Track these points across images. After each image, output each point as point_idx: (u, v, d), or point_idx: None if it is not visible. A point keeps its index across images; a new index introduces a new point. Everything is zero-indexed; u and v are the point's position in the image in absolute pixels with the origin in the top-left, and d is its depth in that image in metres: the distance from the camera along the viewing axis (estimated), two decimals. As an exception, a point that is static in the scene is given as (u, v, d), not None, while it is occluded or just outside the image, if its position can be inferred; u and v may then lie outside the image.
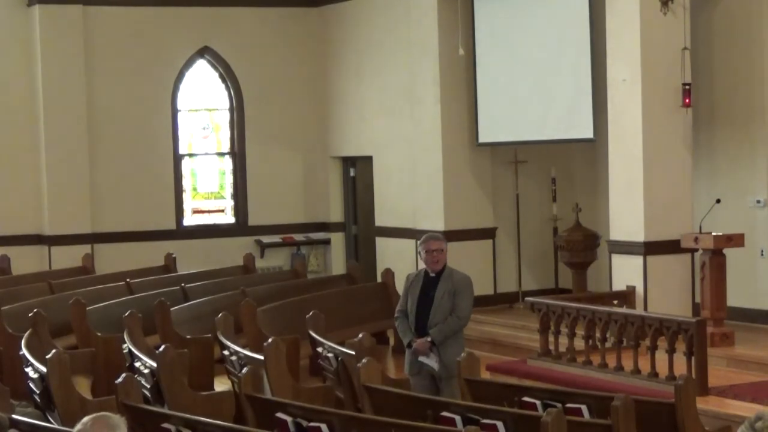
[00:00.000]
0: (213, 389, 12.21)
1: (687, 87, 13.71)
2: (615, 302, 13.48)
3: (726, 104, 14.68)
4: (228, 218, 19.73)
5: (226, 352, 11.57)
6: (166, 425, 8.12)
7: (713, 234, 13.13)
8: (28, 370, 10.64)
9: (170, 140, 19.19)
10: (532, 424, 7.58)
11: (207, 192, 19.77)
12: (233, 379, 11.23)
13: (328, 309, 13.34)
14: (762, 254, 14.25)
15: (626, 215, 13.94)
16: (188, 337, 13.02)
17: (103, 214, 18.58)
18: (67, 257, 17.82)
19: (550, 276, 17.02)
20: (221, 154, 19.72)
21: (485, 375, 12.28)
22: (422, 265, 10.49)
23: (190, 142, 19.56)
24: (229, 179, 19.73)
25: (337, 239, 19.61)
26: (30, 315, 12.45)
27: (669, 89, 13.74)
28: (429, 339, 10.10)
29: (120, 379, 8.63)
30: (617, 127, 14.04)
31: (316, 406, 8.57)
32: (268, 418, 8.39)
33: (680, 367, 11.23)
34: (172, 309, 13.65)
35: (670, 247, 13.61)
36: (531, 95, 15.92)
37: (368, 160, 18.68)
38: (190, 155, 19.56)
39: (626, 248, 13.89)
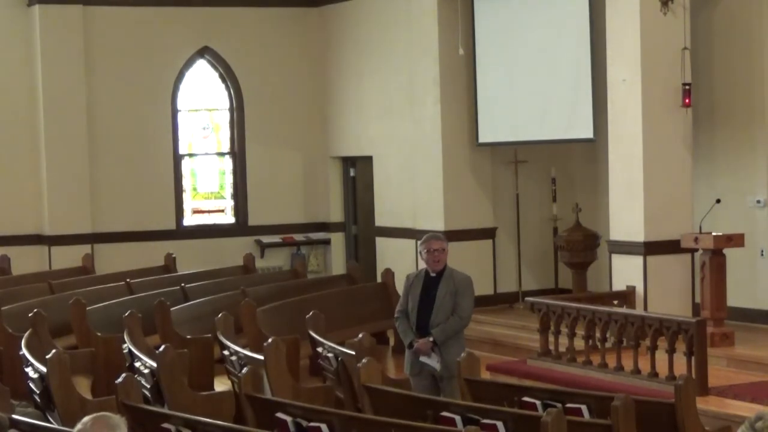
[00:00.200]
0: (213, 389, 12.21)
1: (687, 87, 13.71)
2: (615, 302, 13.49)
3: (726, 104, 14.68)
4: (228, 218, 19.73)
5: (226, 352, 11.57)
6: (166, 425, 8.12)
7: (713, 234, 13.13)
8: (28, 370, 10.64)
9: (170, 140, 19.19)
10: (532, 424, 7.58)
11: (207, 192, 19.77)
12: (233, 379, 11.23)
13: (328, 309, 13.34)
14: (762, 254, 14.25)
15: (626, 215, 13.94)
16: (188, 337, 13.02)
17: (103, 214, 18.58)
18: (67, 257, 17.82)
19: (550, 276, 17.02)
20: (221, 154, 19.72)
21: (485, 375, 12.28)
22: (422, 265, 10.49)
23: (190, 142, 19.56)
24: (229, 179, 19.73)
25: (337, 239, 19.61)
26: (30, 315, 12.45)
27: (669, 89, 13.74)
28: (431, 339, 10.10)
29: (120, 379, 8.63)
30: (617, 127, 14.04)
31: (316, 406, 8.57)
32: (268, 418, 8.39)
33: (680, 367, 11.23)
34: (172, 309, 13.65)
35: (670, 247, 13.61)
36: (531, 95, 15.92)
37: (368, 160, 18.68)
38: (190, 155, 19.56)
39: (626, 248, 13.89)
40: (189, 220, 19.51)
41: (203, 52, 19.31)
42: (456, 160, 16.54)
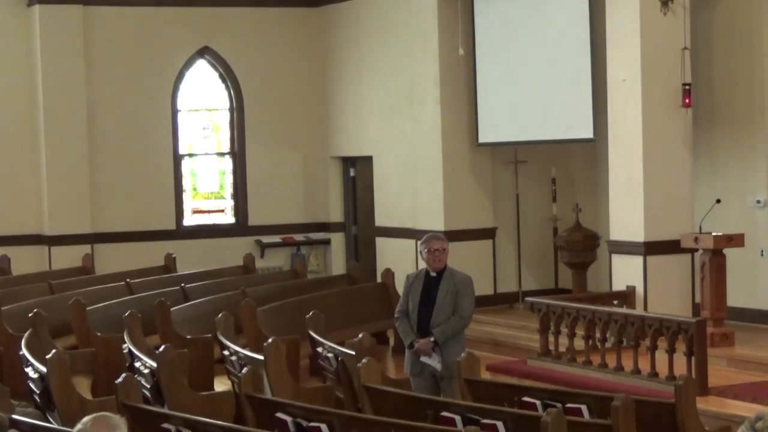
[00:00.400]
0: (213, 389, 12.21)
1: (687, 87, 13.71)
2: (615, 302, 13.49)
3: (726, 104, 14.68)
4: (228, 218, 19.73)
5: (226, 352, 11.57)
6: (166, 425, 8.12)
7: (713, 234, 13.12)
8: (28, 370, 10.64)
9: (170, 140, 19.20)
10: (532, 424, 7.58)
11: (207, 192, 19.77)
12: (233, 379, 11.23)
13: (328, 309, 13.34)
14: (762, 254, 14.25)
15: (626, 215, 13.94)
16: (188, 337, 13.02)
17: (103, 214, 18.58)
18: (67, 257, 17.83)
19: (550, 276, 17.02)
20: (221, 154, 19.72)
21: (485, 375, 12.28)
22: (422, 265, 10.49)
23: (190, 142, 19.56)
24: (229, 179, 19.73)
25: (337, 239, 19.62)
26: (30, 315, 12.45)
27: (669, 89, 13.74)
28: (432, 339, 10.10)
29: (120, 379, 8.62)
30: (617, 127, 14.04)
31: (316, 406, 8.57)
32: (268, 418, 8.39)
33: (680, 367, 11.23)
34: (172, 309, 13.65)
35: (670, 247, 13.61)
36: (531, 95, 15.92)
37: (368, 160, 18.69)
38: (190, 155, 19.56)
39: (626, 248, 13.89)
40: (189, 220, 19.52)
41: (203, 52, 19.31)
42: (456, 160, 16.54)
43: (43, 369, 9.98)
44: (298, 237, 19.65)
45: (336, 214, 19.61)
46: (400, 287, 11.28)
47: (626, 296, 13.69)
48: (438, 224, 16.18)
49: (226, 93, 19.58)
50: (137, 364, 10.71)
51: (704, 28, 14.62)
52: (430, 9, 16.50)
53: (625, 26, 13.80)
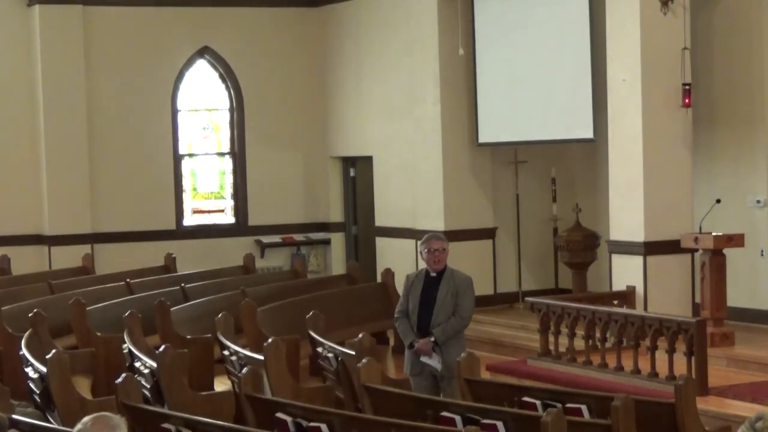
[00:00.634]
0: (213, 389, 12.21)
1: (687, 87, 13.71)
2: (615, 302, 13.49)
3: (726, 104, 14.68)
4: (228, 218, 19.73)
5: (226, 352, 11.57)
6: (166, 425, 8.12)
7: (713, 234, 13.12)
8: (28, 370, 10.64)
9: (170, 140, 19.20)
10: (532, 424, 7.58)
11: (207, 192, 19.77)
12: (233, 379, 11.23)
13: (328, 309, 13.34)
14: (762, 254, 14.25)
15: (626, 215, 13.94)
16: (188, 337, 13.02)
17: (103, 214, 18.58)
18: (67, 257, 17.82)
19: (550, 276, 17.02)
20: (221, 155, 19.72)
21: (485, 375, 12.28)
22: (422, 265, 10.49)
23: (190, 142, 19.56)
24: (229, 179, 19.73)
25: (337, 239, 19.61)
26: (30, 315, 12.44)
27: (669, 89, 13.74)
28: (432, 339, 10.10)
29: (120, 379, 8.62)
30: (617, 127, 14.04)
31: (316, 406, 8.57)
32: (268, 418, 8.39)
33: (680, 367, 11.23)
34: (172, 309, 13.65)
35: (670, 247, 13.61)
36: (531, 95, 15.92)
37: (368, 160, 18.69)
38: (190, 155, 19.56)
39: (626, 248, 13.89)
40: (189, 220, 19.52)
41: (203, 52, 19.31)
42: (456, 160, 16.54)
43: (43, 369, 9.98)
44: (298, 237, 19.65)
45: (336, 214, 19.61)
46: (400, 287, 11.28)
47: (626, 296, 13.69)
48: (438, 224, 16.17)
49: (226, 93, 19.58)
50: (137, 364, 10.71)
51: (704, 28, 14.63)
52: (430, 9, 16.50)
53: (625, 26, 13.80)
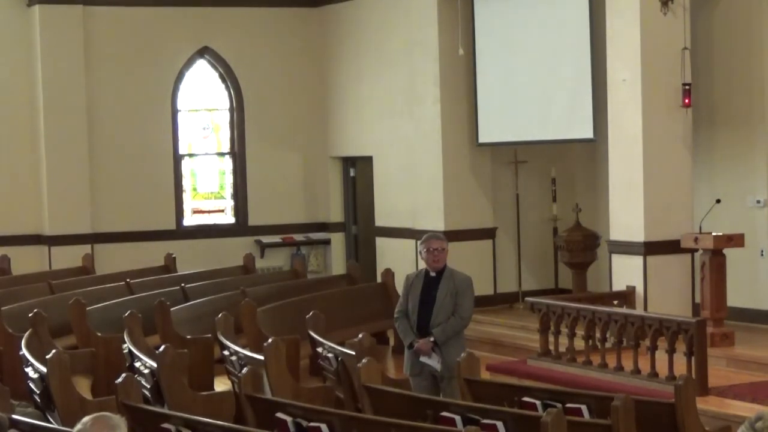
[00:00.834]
0: (213, 389, 12.21)
1: (687, 87, 13.71)
2: (615, 302, 13.48)
3: (726, 104, 14.68)
4: (228, 218, 19.73)
5: (226, 352, 11.57)
6: (166, 425, 8.12)
7: (713, 234, 13.12)
8: (28, 370, 10.63)
9: (170, 140, 19.20)
10: (532, 424, 7.58)
11: (207, 192, 19.77)
12: (233, 379, 11.23)
13: (328, 309, 13.34)
14: (762, 254, 14.25)
15: (626, 215, 13.94)
16: (188, 337, 13.01)
17: (103, 214, 18.58)
18: (67, 257, 17.82)
19: (550, 276, 17.02)
20: (221, 154, 19.72)
21: (485, 375, 12.28)
22: (422, 265, 10.50)
23: (190, 142, 19.56)
24: (229, 179, 19.73)
25: (337, 239, 19.61)
26: (30, 315, 12.44)
27: (669, 89, 13.74)
28: (431, 339, 10.10)
29: (120, 379, 8.62)
30: (617, 127, 14.04)
31: (316, 406, 8.57)
32: (268, 418, 8.39)
33: (680, 367, 11.23)
34: (172, 309, 13.64)
35: (670, 247, 13.61)
36: (531, 95, 15.92)
37: (368, 160, 18.69)
38: (190, 155, 19.56)
39: (626, 248, 13.89)
40: (189, 220, 19.52)
41: (203, 52, 19.31)
42: (456, 160, 16.54)
43: (43, 369, 9.98)
44: (298, 237, 19.65)
45: (336, 214, 19.61)
46: (400, 287, 11.27)
47: (626, 296, 13.69)
48: (438, 224, 16.18)
49: (226, 93, 19.58)
50: (137, 364, 10.71)
51: (704, 28, 14.62)
52: (430, 9, 16.50)
53: (625, 26, 13.79)
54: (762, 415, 5.03)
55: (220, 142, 19.73)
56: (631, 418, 7.84)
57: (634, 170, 13.79)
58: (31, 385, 10.43)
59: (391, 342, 15.47)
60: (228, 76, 19.45)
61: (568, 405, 8.38)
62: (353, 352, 10.54)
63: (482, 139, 16.50)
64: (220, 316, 12.12)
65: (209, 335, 12.72)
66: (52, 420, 9.79)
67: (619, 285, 13.98)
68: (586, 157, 16.76)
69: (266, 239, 19.46)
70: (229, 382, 11.87)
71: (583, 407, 8.41)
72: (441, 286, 10.18)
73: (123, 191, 18.73)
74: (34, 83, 18.36)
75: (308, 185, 19.77)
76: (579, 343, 12.59)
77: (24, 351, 11.07)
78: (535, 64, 15.82)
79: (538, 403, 8.57)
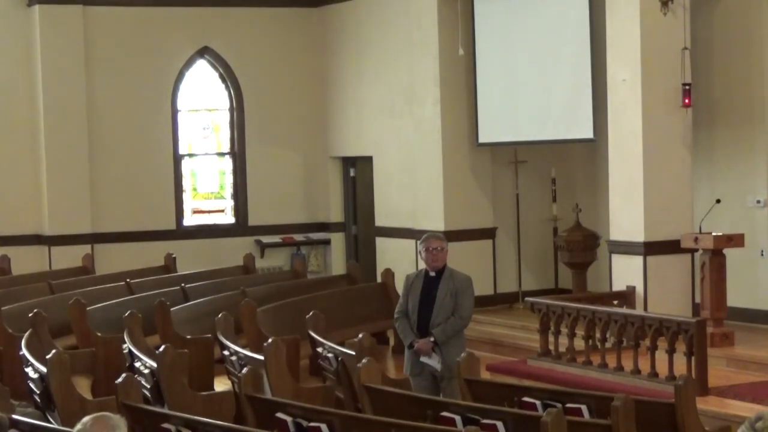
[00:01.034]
0: (213, 389, 12.21)
1: (687, 87, 13.71)
2: (615, 302, 13.49)
3: (726, 104, 14.68)
4: (228, 218, 19.73)
5: (226, 352, 11.57)
6: (166, 425, 8.11)
7: (713, 234, 13.13)
8: (28, 370, 10.64)
9: (170, 140, 19.20)
10: (532, 424, 7.58)
11: (207, 192, 19.77)
12: (233, 379, 11.23)
13: (328, 309, 13.34)
14: (762, 254, 14.25)
15: (626, 215, 13.94)
16: (188, 337, 13.01)
17: (103, 214, 18.58)
18: (67, 257, 17.82)
19: (550, 276, 17.02)
20: (221, 154, 19.72)
21: (485, 375, 12.28)
22: (422, 265, 10.50)
23: (190, 142, 19.56)
24: (229, 179, 19.73)
25: (337, 239, 19.61)
26: (30, 315, 12.44)
27: (669, 89, 13.74)
28: (431, 339, 10.10)
29: (120, 379, 8.62)
30: (617, 127, 14.04)
31: (316, 406, 8.57)
32: (268, 418, 8.39)
33: (680, 367, 11.23)
34: (172, 309, 13.65)
35: (670, 247, 13.62)
36: (531, 95, 15.92)
37: (368, 160, 18.69)
38: (190, 155, 19.56)
39: (626, 248, 13.89)
40: (189, 220, 19.52)
41: (203, 52, 19.31)
42: (456, 160, 16.53)
43: (43, 369, 9.98)
44: (298, 237, 19.65)
45: (336, 214, 19.61)
46: (400, 287, 11.28)
47: (626, 296, 13.69)
48: (438, 224, 16.17)
49: (226, 93, 19.58)
50: (137, 364, 10.71)
51: (704, 28, 14.62)
52: (430, 9, 16.49)
53: (625, 26, 13.80)
54: (762, 415, 5.03)
55: (220, 142, 19.73)
56: (631, 418, 7.83)
57: (634, 170, 13.79)
58: (31, 385, 10.43)
59: (391, 342, 15.47)
60: (228, 76, 19.45)
61: (568, 405, 8.38)
62: (353, 352, 10.54)
63: (482, 139, 16.50)
64: (220, 316, 12.12)
65: (209, 335, 12.72)
66: (52, 420, 9.79)
67: (619, 285, 13.98)
68: (586, 157, 16.76)
69: (266, 239, 19.46)
70: (229, 382, 11.87)
71: (583, 407, 8.41)
72: (441, 286, 10.18)
73: (123, 191, 18.73)
74: (34, 83, 18.36)
75: (308, 185, 19.77)
76: (579, 343, 12.60)
77: (24, 351, 11.07)
78: (535, 64, 15.82)
79: (538, 403, 8.57)
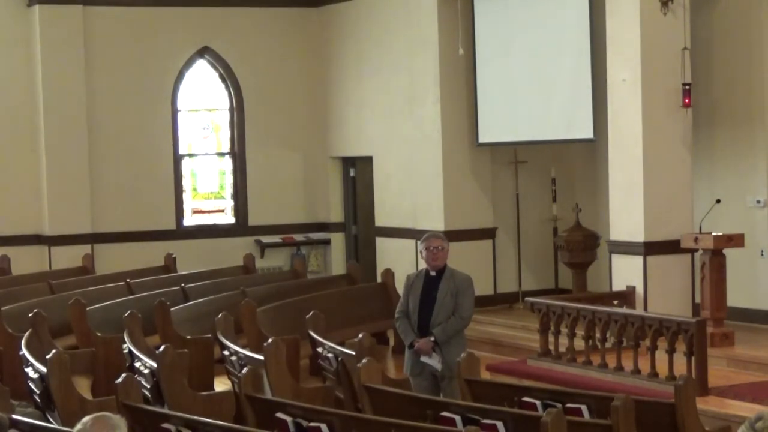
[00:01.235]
0: (213, 389, 12.21)
1: (687, 87, 13.71)
2: (615, 302, 13.49)
3: (726, 104, 14.68)
4: (228, 218, 19.73)
5: (226, 352, 11.57)
6: (166, 425, 8.12)
7: (713, 234, 13.12)
8: (28, 370, 10.64)
9: (170, 140, 19.20)
10: (532, 424, 7.58)
11: (207, 192, 19.77)
12: (233, 379, 11.23)
13: (328, 309, 13.34)
14: (762, 254, 14.25)
15: (626, 215, 13.94)
16: (188, 337, 13.01)
17: (103, 214, 18.58)
18: (67, 257, 17.82)
19: (550, 276, 17.02)
20: (221, 155, 19.72)
21: (485, 375, 12.28)
22: (422, 265, 10.50)
23: (190, 142, 19.56)
24: (229, 179, 19.73)
25: (337, 239, 19.61)
26: (30, 315, 12.45)
27: (669, 89, 13.74)
28: (432, 339, 10.10)
29: (120, 379, 8.62)
30: (617, 127, 14.04)
31: (316, 406, 8.57)
32: (268, 418, 8.39)
33: (680, 367, 11.23)
34: (172, 309, 13.65)
35: (670, 247, 13.61)
36: (531, 95, 15.92)
37: (368, 160, 18.69)
38: (190, 155, 19.56)
39: (626, 248, 13.89)
40: (189, 220, 19.52)
41: (203, 52, 19.31)
42: (456, 160, 16.53)
43: (43, 369, 9.98)
44: (298, 237, 19.65)
45: (336, 214, 19.61)
46: (400, 287, 11.28)
47: (626, 296, 13.69)
48: (438, 224, 16.17)
49: (226, 93, 19.59)
50: (137, 364, 10.71)
51: (704, 28, 14.62)
52: (430, 9, 16.50)
53: (625, 26, 13.79)
54: (762, 415, 5.03)
55: (220, 142, 19.73)
56: (631, 418, 7.84)
57: (634, 170, 13.79)
58: (31, 385, 10.43)
59: (391, 342, 15.47)
60: (228, 76, 19.45)
61: (568, 405, 8.38)
62: (353, 352, 10.54)
63: (482, 139, 16.50)
64: (220, 316, 12.13)
65: (209, 335, 12.72)
66: (52, 420, 9.79)
67: (619, 285, 13.98)
68: (586, 157, 16.76)
69: (266, 239, 19.46)
70: (229, 382, 11.87)
71: (583, 407, 8.41)
72: (441, 286, 10.18)
73: (123, 191, 18.74)
74: (34, 83, 18.36)
75: (308, 185, 19.77)
76: (579, 343, 12.59)
77: (24, 351, 11.07)
78: (535, 64, 15.82)
79: (538, 403, 8.57)
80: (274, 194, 19.58)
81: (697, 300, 13.50)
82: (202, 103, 19.57)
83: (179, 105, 19.33)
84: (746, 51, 14.36)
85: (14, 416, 8.02)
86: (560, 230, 16.18)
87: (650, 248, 13.69)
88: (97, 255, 18.16)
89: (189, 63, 19.26)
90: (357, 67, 18.74)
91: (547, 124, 15.88)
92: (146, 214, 18.86)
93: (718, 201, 13.60)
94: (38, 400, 10.20)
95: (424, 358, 10.14)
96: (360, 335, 10.79)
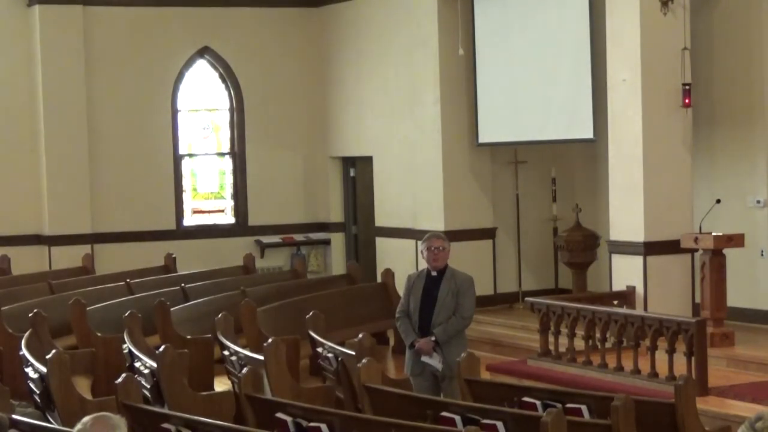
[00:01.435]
0: (213, 389, 12.21)
1: (687, 87, 13.71)
2: (615, 302, 13.48)
3: (726, 104, 14.68)
4: (228, 218, 19.73)
5: (226, 352, 11.57)
6: (166, 425, 8.12)
7: (713, 234, 13.12)
8: (28, 370, 10.64)
9: (170, 140, 19.20)
10: (532, 424, 7.58)
11: (207, 192, 19.77)
12: (233, 379, 11.23)
13: (328, 309, 13.34)
14: (762, 254, 14.25)
15: (626, 215, 13.94)
16: (188, 337, 13.02)
17: (103, 214, 18.58)
18: (67, 257, 17.82)
19: (550, 276, 17.02)
20: (221, 155, 19.72)
21: (485, 375, 12.28)
22: (422, 265, 10.50)
23: (190, 142, 19.57)
24: (229, 179, 19.74)
25: (337, 239, 19.61)
26: (30, 315, 12.44)
27: (669, 89, 13.73)
28: (432, 339, 10.10)
29: (120, 379, 8.62)
30: (617, 127, 14.04)
31: (316, 406, 8.57)
32: (268, 418, 8.39)
33: (680, 367, 11.23)
34: (172, 309, 13.65)
35: (670, 247, 13.61)
36: (531, 95, 15.91)
37: (368, 160, 18.69)
38: (190, 155, 19.57)
39: (626, 248, 13.89)
40: (189, 220, 19.52)
41: (203, 52, 19.31)
42: (456, 160, 16.54)
43: (43, 369, 9.98)
44: (298, 237, 19.65)
45: (336, 214, 19.61)
46: (400, 287, 11.29)
47: (626, 296, 13.68)
48: (438, 224, 16.17)
49: (226, 93, 19.59)
50: (137, 364, 10.71)
51: (704, 28, 14.62)
52: (430, 9, 16.50)
53: (625, 26, 13.79)
54: (762, 415, 5.03)
55: (220, 142, 19.73)
56: (631, 418, 7.84)
57: (634, 170, 13.78)
58: (31, 385, 10.43)
59: (391, 342, 15.48)
60: (228, 76, 19.45)
61: (568, 405, 8.38)
62: (353, 352, 10.54)
63: (482, 139, 16.50)
64: (220, 316, 12.13)
65: (209, 335, 12.72)
66: (52, 420, 9.79)
67: (619, 285, 13.97)
68: (586, 157, 16.76)
69: (266, 239, 19.46)
70: (229, 382, 11.87)
71: (583, 407, 8.41)
72: (442, 286, 10.18)
73: (123, 191, 18.74)
74: (34, 83, 18.36)
75: (308, 185, 19.77)
76: (579, 343, 12.59)
77: (24, 351, 11.07)
78: (535, 64, 15.81)
79: (538, 403, 8.57)
80: (274, 194, 19.58)
81: (697, 300, 13.50)
82: (202, 103, 19.57)
83: (179, 105, 19.33)
84: (746, 51, 14.37)
85: (14, 416, 8.02)
86: (560, 230, 16.18)
87: (650, 248, 13.68)
88: (97, 255, 18.17)
89: (189, 63, 19.26)
90: (357, 67, 18.75)
91: (547, 124, 15.87)
92: (146, 214, 18.86)
93: (718, 201, 13.59)
94: (38, 400, 10.20)
95: (424, 358, 10.14)
96: (360, 335, 10.79)
